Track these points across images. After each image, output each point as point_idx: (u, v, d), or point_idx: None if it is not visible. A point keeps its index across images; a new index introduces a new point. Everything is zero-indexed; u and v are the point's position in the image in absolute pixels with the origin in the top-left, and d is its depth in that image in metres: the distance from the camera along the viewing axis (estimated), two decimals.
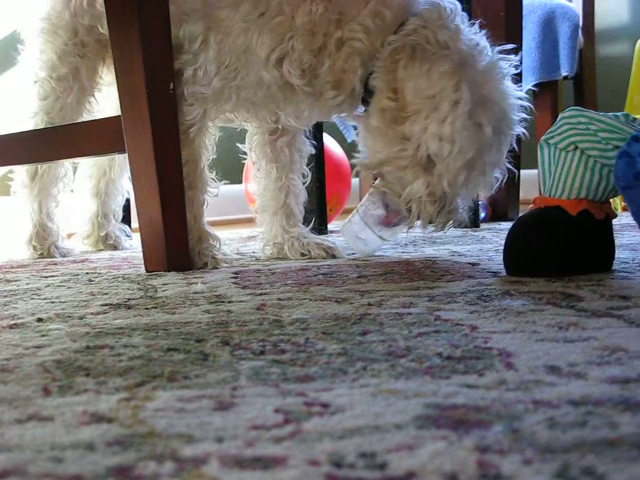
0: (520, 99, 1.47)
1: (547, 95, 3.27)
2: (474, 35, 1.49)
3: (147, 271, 1.53)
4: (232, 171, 2.15)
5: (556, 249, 1.25)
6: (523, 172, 2.64)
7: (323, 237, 1.84)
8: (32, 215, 1.94)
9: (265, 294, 1.18)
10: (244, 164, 2.50)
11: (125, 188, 2.13)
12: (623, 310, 0.96)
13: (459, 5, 1.52)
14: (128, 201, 2.20)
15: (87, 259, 1.86)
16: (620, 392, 0.61)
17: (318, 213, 2.25)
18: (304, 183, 1.78)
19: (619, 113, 1.28)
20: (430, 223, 1.51)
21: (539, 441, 0.51)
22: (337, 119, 1.72)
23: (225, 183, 1.68)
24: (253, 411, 0.60)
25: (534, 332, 0.85)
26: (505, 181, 1.52)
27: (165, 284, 1.34)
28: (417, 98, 1.43)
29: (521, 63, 1.52)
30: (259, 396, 0.64)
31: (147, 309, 1.09)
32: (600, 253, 1.29)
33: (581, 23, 3.27)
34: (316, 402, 0.62)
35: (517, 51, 1.51)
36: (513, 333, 0.84)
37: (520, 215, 1.41)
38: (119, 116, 1.55)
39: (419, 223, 1.52)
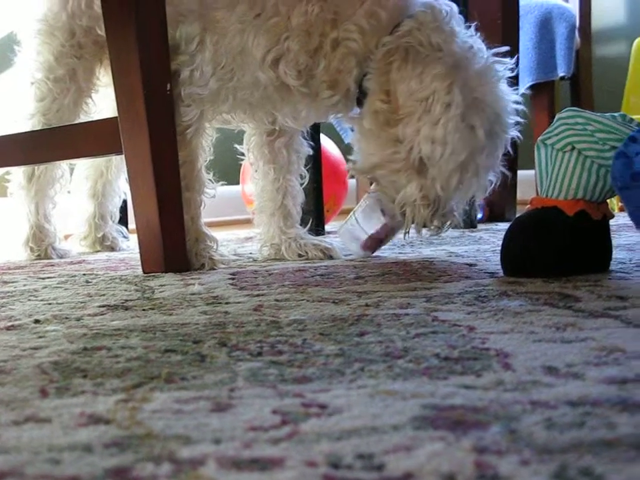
0: (515, 102, 1.47)
1: (543, 96, 3.27)
2: (469, 37, 1.49)
3: (144, 272, 1.53)
4: (229, 172, 2.15)
5: (553, 250, 1.25)
6: (520, 173, 2.65)
7: (320, 237, 1.84)
8: (29, 217, 1.94)
9: (263, 295, 1.18)
10: (241, 165, 2.51)
11: (122, 189, 2.13)
12: (621, 310, 0.96)
13: (455, 7, 1.51)
14: (125, 202, 2.20)
15: (84, 261, 1.86)
16: (618, 392, 0.61)
17: (315, 214, 2.25)
18: (301, 184, 1.78)
19: (615, 114, 1.28)
20: (424, 226, 1.51)
21: (536, 442, 0.51)
22: (334, 119, 1.72)
23: (222, 184, 1.68)
24: (251, 412, 0.60)
25: (531, 332, 0.85)
26: (498, 183, 1.52)
27: (162, 285, 1.34)
28: (409, 100, 1.43)
29: (518, 63, 1.52)
30: (257, 397, 0.64)
31: (144, 310, 1.09)
32: (597, 254, 1.29)
33: (577, 24, 3.27)
34: (313, 403, 0.62)
35: (512, 53, 1.51)
36: (511, 334, 0.84)
37: (517, 215, 1.41)
38: (116, 117, 1.55)
39: (413, 226, 1.52)
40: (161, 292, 1.26)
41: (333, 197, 2.52)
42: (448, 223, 1.51)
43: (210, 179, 1.63)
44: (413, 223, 1.50)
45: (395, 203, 1.50)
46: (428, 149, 1.42)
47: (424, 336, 0.85)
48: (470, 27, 1.51)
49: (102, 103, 1.93)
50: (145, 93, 1.49)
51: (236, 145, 1.80)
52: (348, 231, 1.69)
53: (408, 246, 1.86)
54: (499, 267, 1.33)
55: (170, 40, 1.53)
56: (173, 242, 1.53)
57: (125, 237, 2.21)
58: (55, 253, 1.95)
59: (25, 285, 1.41)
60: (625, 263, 1.38)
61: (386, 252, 1.75)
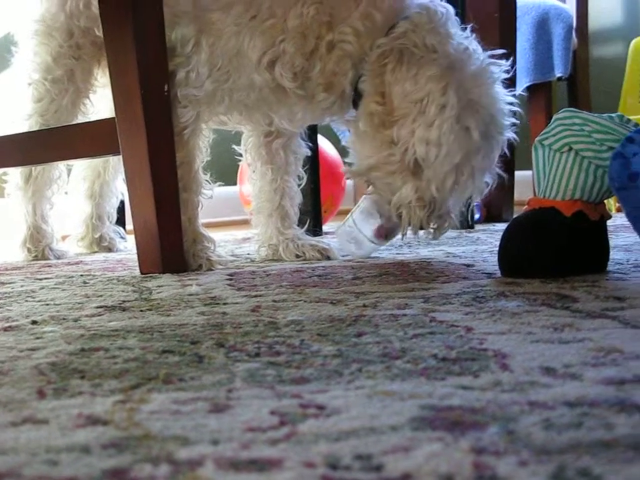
0: (510, 103, 1.47)
1: (541, 96, 3.28)
2: (464, 39, 1.48)
3: (142, 273, 1.53)
4: (226, 172, 2.15)
5: (551, 250, 1.25)
6: (517, 173, 2.65)
7: (317, 238, 1.84)
8: (26, 217, 1.93)
9: (260, 296, 1.18)
10: (238, 166, 2.51)
11: (119, 190, 2.13)
12: (618, 311, 0.96)
13: (450, 9, 1.51)
14: (122, 202, 2.20)
15: (81, 261, 1.85)
16: (615, 393, 0.61)
17: (312, 215, 2.25)
18: (299, 185, 1.78)
19: (613, 114, 1.28)
20: (421, 228, 1.51)
21: (534, 443, 0.51)
22: (330, 121, 1.72)
23: (220, 185, 1.68)
24: (249, 413, 0.60)
25: (529, 333, 0.85)
26: (495, 185, 1.52)
27: (159, 286, 1.34)
28: (404, 102, 1.43)
29: (515, 64, 1.52)
30: (255, 398, 0.64)
31: (141, 311, 1.09)
32: (594, 254, 1.29)
33: (574, 24, 3.28)
34: (311, 404, 0.62)
35: (509, 54, 1.51)
36: (508, 334, 0.84)
37: (514, 216, 1.41)
38: (114, 118, 1.55)
39: (410, 228, 1.52)
40: (158, 293, 1.26)
41: (331, 198, 2.52)
42: (445, 225, 1.51)
43: (207, 180, 1.63)
44: (409, 224, 1.50)
45: (390, 204, 1.50)
46: (423, 151, 1.42)
47: (422, 336, 0.85)
48: (466, 28, 1.51)
49: (100, 103, 1.93)
50: (143, 94, 1.49)
51: (234, 146, 1.80)
52: (345, 232, 1.69)
53: (405, 246, 1.86)
54: (497, 267, 1.33)
55: (166, 41, 1.53)
56: (170, 243, 1.53)
57: (122, 237, 2.21)
58: (52, 253, 1.94)
59: (22, 286, 1.41)
60: (622, 264, 1.39)
61: (383, 253, 1.75)
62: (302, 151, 1.78)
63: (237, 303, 1.12)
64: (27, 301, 1.23)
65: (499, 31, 2.50)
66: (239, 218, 2.78)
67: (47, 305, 1.17)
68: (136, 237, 1.55)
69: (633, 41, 3.49)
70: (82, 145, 1.69)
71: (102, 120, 1.71)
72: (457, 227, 1.58)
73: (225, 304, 1.12)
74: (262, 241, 1.77)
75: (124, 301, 1.18)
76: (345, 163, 1.59)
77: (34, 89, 1.85)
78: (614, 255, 1.44)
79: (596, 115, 1.27)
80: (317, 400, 0.63)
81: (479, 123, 1.42)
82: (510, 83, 1.51)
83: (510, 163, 2.38)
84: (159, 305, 1.13)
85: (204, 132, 1.63)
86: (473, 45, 1.48)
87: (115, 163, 2.07)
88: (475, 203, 2.24)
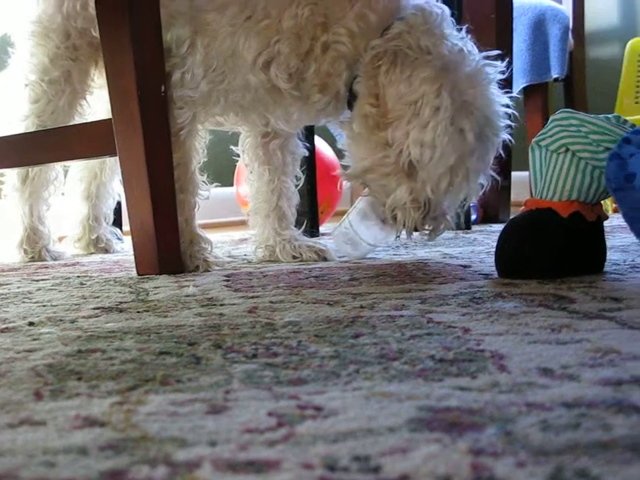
0: (505, 105, 1.47)
1: (537, 97, 3.28)
2: (460, 40, 1.48)
3: (139, 274, 1.53)
4: (223, 173, 2.14)
5: (548, 251, 1.25)
6: (514, 174, 2.65)
7: (314, 239, 1.84)
8: (23, 219, 1.93)
9: (257, 297, 1.18)
10: (235, 167, 2.51)
11: (116, 191, 2.13)
12: (615, 312, 0.96)
13: (446, 9, 1.51)
14: (119, 203, 2.20)
15: (78, 262, 1.85)
16: (613, 394, 0.62)
17: (309, 216, 2.25)
18: (297, 186, 1.78)
19: (609, 115, 1.28)
20: (416, 229, 1.51)
21: (532, 444, 0.51)
22: (326, 123, 1.72)
23: (217, 186, 1.68)
24: (246, 414, 0.60)
25: (526, 334, 0.85)
26: (489, 186, 1.51)
27: (156, 287, 1.34)
28: (398, 104, 1.42)
29: (511, 65, 1.51)
30: (252, 399, 0.64)
31: (138, 312, 1.09)
32: (591, 255, 1.30)
33: (571, 25, 3.28)
34: (309, 405, 0.62)
35: (506, 55, 1.51)
36: (506, 335, 0.84)
37: (511, 217, 1.41)
38: (110, 119, 1.55)
39: (405, 230, 1.51)
40: (155, 294, 1.26)
41: (327, 199, 2.52)
42: (441, 226, 1.51)
43: (204, 181, 1.63)
44: (404, 226, 1.50)
45: (385, 206, 1.50)
46: (417, 153, 1.42)
47: (419, 338, 0.85)
48: (462, 29, 1.51)
49: (96, 104, 1.92)
50: (139, 95, 1.49)
51: (231, 147, 1.80)
52: (342, 233, 1.69)
53: (402, 247, 1.86)
54: (494, 268, 1.33)
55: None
56: (167, 244, 1.52)
57: (119, 238, 2.20)
58: (48, 255, 1.94)
59: (19, 287, 1.41)
60: (619, 264, 1.39)
61: (380, 254, 1.75)
62: (299, 152, 1.78)
63: (234, 304, 1.12)
64: (23, 302, 1.22)
65: (496, 32, 2.51)
66: (235, 219, 2.77)
67: (44, 306, 1.17)
68: (133, 238, 1.55)
69: (629, 42, 3.49)
70: (79, 146, 1.69)
71: (99, 121, 1.71)
72: (452, 228, 1.57)
73: (222, 305, 1.12)
74: (259, 242, 1.77)
75: (121, 302, 1.18)
76: (342, 165, 1.58)
77: (31, 90, 1.85)
78: (611, 255, 1.44)
79: (592, 115, 1.27)
80: (315, 401, 0.63)
81: (473, 125, 1.41)
82: (506, 84, 1.50)
83: (506, 164, 2.39)
84: (156, 306, 1.13)
85: (200, 133, 1.63)
86: (469, 45, 1.48)
87: (112, 164, 2.07)
88: (471, 204, 2.24)
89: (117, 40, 1.51)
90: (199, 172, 1.62)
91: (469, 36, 1.50)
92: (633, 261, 1.44)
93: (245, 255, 1.86)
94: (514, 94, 1.56)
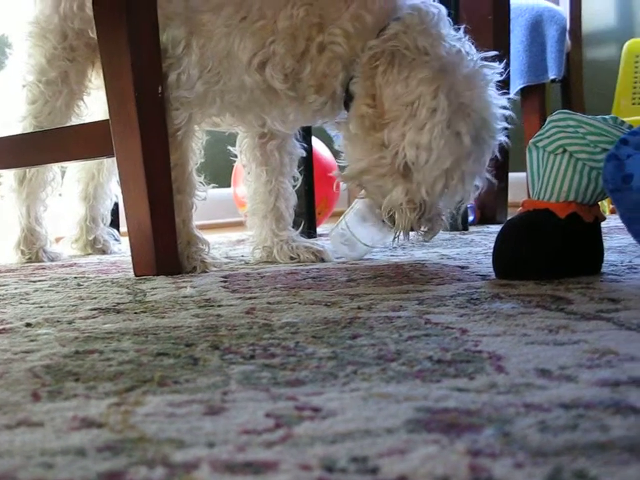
0: (503, 107, 1.47)
1: (534, 98, 3.28)
2: (457, 40, 1.48)
3: (136, 275, 1.53)
4: (221, 174, 2.15)
5: (545, 252, 1.25)
6: (511, 175, 2.65)
7: (311, 240, 1.84)
8: (20, 219, 1.93)
9: (255, 298, 1.18)
10: (232, 168, 2.51)
11: (114, 192, 2.13)
12: (613, 312, 0.96)
13: (443, 9, 1.51)
14: (116, 204, 2.20)
15: (75, 263, 1.85)
16: (610, 395, 0.62)
17: (307, 217, 2.25)
18: (294, 187, 1.78)
19: (607, 116, 1.28)
20: (412, 230, 1.51)
21: (530, 445, 0.51)
22: (322, 123, 1.71)
23: (214, 187, 1.68)
24: (244, 415, 0.60)
25: (524, 335, 0.85)
26: (485, 188, 1.51)
27: (153, 288, 1.34)
28: (395, 105, 1.42)
29: (508, 66, 1.51)
30: (250, 400, 0.64)
31: (136, 313, 1.09)
32: (589, 256, 1.30)
33: (568, 26, 3.28)
34: (307, 406, 0.62)
35: (503, 56, 1.50)
36: (503, 336, 0.85)
37: (509, 218, 1.41)
38: (108, 120, 1.55)
39: (401, 230, 1.51)
40: (152, 295, 1.26)
41: (325, 200, 2.52)
42: (436, 227, 1.51)
43: (201, 182, 1.63)
44: (400, 227, 1.50)
45: (382, 207, 1.50)
46: (413, 155, 1.42)
47: (417, 339, 0.85)
48: (459, 29, 1.51)
49: (94, 105, 1.92)
50: (137, 96, 1.49)
51: (229, 147, 1.80)
52: (339, 234, 1.69)
53: (400, 248, 1.86)
54: (491, 269, 1.33)
55: None
56: (164, 245, 1.52)
57: (116, 239, 2.20)
58: (46, 255, 1.94)
59: (16, 288, 1.40)
60: (616, 265, 1.39)
61: (378, 255, 1.75)
62: (297, 152, 1.78)
63: (231, 305, 1.12)
64: (20, 303, 1.22)
65: (493, 33, 2.51)
66: (233, 220, 2.78)
67: (41, 307, 1.17)
68: (130, 239, 1.55)
69: (626, 43, 3.50)
70: (76, 147, 1.69)
71: (96, 122, 1.71)
72: (447, 228, 1.57)
73: (219, 306, 1.12)
74: (256, 243, 1.77)
75: (118, 303, 1.18)
76: (338, 165, 1.58)
77: (28, 91, 1.85)
78: (608, 256, 1.44)
79: (590, 117, 1.27)
80: (312, 402, 0.63)
81: (470, 128, 1.41)
82: (504, 85, 1.50)
83: (504, 165, 2.39)
84: (154, 307, 1.13)
85: (197, 134, 1.63)
86: (466, 46, 1.47)
87: (109, 165, 2.07)
88: (468, 205, 2.24)
89: (114, 41, 1.51)
90: (196, 173, 1.62)
91: (467, 36, 1.50)
92: (630, 262, 1.44)
93: (243, 256, 1.86)
94: (511, 95, 1.56)
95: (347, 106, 1.53)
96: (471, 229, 2.41)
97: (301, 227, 1.81)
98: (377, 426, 0.56)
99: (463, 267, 1.47)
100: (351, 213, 1.67)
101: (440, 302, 1.08)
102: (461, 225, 2.32)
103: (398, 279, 1.35)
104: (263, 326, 0.95)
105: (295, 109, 1.59)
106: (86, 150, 1.68)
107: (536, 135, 1.31)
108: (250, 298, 1.18)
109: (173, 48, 1.55)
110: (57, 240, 2.12)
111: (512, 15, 2.69)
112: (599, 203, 1.31)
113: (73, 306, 1.17)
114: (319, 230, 2.44)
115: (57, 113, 1.84)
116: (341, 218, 1.70)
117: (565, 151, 1.26)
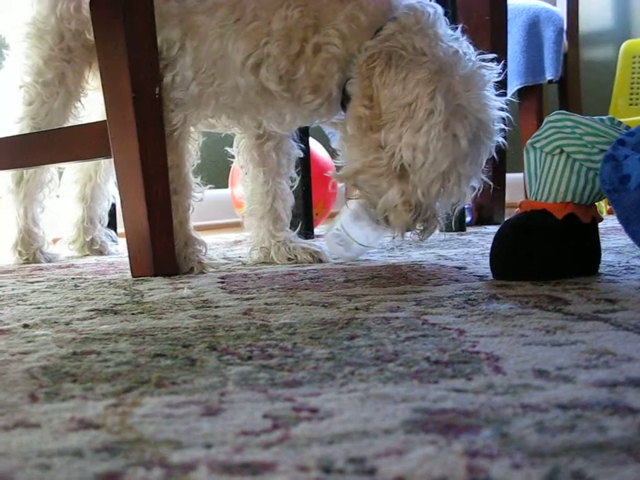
0: (500, 109, 1.46)
1: (532, 99, 3.28)
2: (454, 40, 1.47)
3: (133, 276, 1.53)
4: (218, 175, 2.15)
5: (542, 253, 1.25)
6: (508, 176, 2.65)
7: (309, 241, 1.84)
8: (17, 220, 1.93)
9: (252, 299, 1.18)
10: (230, 168, 2.51)
11: (111, 193, 2.13)
12: (610, 313, 0.96)
13: (439, 9, 1.50)
14: (114, 205, 2.20)
15: (72, 264, 1.85)
16: (608, 395, 0.62)
17: (304, 217, 2.25)
18: (291, 187, 1.78)
19: (604, 117, 1.28)
20: (407, 230, 1.50)
21: (528, 445, 0.51)
22: (319, 124, 1.71)
23: (211, 188, 1.68)
24: (242, 416, 0.60)
25: (521, 336, 0.85)
26: (481, 189, 1.51)
27: (151, 289, 1.34)
28: (392, 106, 1.42)
29: (506, 67, 1.51)
30: (247, 401, 0.64)
31: (133, 314, 1.09)
32: (586, 257, 1.30)
33: (565, 27, 3.29)
34: (304, 407, 0.62)
35: (500, 57, 1.50)
36: (501, 337, 0.85)
37: (506, 218, 1.41)
38: (105, 121, 1.55)
39: (396, 231, 1.51)
40: (150, 296, 1.26)
41: (322, 200, 2.52)
42: (432, 227, 1.51)
43: (198, 183, 1.63)
44: (395, 227, 1.49)
45: (377, 208, 1.49)
46: (410, 156, 1.41)
47: (414, 339, 0.85)
48: (456, 29, 1.50)
49: (91, 106, 1.92)
50: (134, 97, 1.49)
51: (226, 148, 1.80)
52: (334, 235, 1.69)
53: (397, 249, 1.86)
54: (489, 270, 1.33)
55: None
56: (161, 246, 1.52)
57: (113, 240, 2.20)
58: (43, 256, 1.94)
59: (13, 289, 1.40)
60: (613, 266, 1.39)
61: (375, 255, 1.75)
62: (294, 153, 1.78)
63: (228, 306, 1.12)
64: (18, 304, 1.22)
65: (490, 34, 2.51)
66: (230, 221, 2.78)
67: (39, 308, 1.17)
68: (127, 240, 1.55)
69: (623, 44, 3.50)
70: (73, 148, 1.69)
71: (93, 123, 1.71)
72: (443, 228, 1.57)
73: (216, 307, 1.12)
74: (254, 244, 1.76)
75: (115, 304, 1.18)
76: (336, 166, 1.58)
77: (25, 92, 1.85)
78: (605, 257, 1.44)
79: (587, 117, 1.27)
80: (310, 403, 0.63)
81: (467, 130, 1.41)
82: (501, 85, 1.50)
83: (501, 166, 2.39)
84: (151, 308, 1.13)
85: (193, 135, 1.63)
86: (464, 47, 1.47)
87: (107, 166, 2.07)
88: (466, 206, 2.24)
89: (111, 42, 1.51)
90: (193, 174, 1.62)
91: (464, 36, 1.49)
92: (627, 262, 1.44)
93: (240, 256, 1.86)
94: (508, 96, 1.56)
95: (343, 106, 1.53)
96: (469, 229, 2.41)
97: (298, 228, 1.81)
98: (375, 427, 0.56)
99: (460, 268, 1.47)
100: (345, 214, 1.67)
101: (437, 303, 1.08)
102: (458, 225, 2.32)
103: (395, 279, 1.35)
104: (260, 327, 0.95)
105: (290, 110, 1.59)
106: (83, 151, 1.68)
107: (533, 135, 1.31)
108: (247, 299, 1.18)
109: (168, 49, 1.55)
110: (55, 241, 2.12)
111: (509, 16, 2.69)
112: (596, 203, 1.31)
113: (71, 307, 1.17)
114: (317, 231, 2.43)
115: (54, 114, 1.84)
116: (336, 218, 1.69)
117: (562, 151, 1.26)
